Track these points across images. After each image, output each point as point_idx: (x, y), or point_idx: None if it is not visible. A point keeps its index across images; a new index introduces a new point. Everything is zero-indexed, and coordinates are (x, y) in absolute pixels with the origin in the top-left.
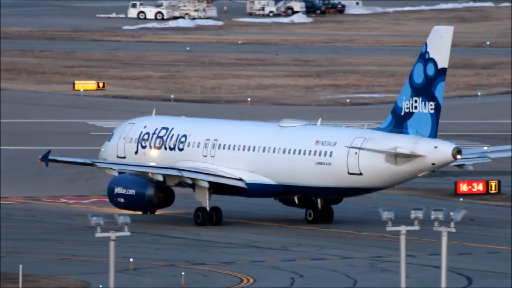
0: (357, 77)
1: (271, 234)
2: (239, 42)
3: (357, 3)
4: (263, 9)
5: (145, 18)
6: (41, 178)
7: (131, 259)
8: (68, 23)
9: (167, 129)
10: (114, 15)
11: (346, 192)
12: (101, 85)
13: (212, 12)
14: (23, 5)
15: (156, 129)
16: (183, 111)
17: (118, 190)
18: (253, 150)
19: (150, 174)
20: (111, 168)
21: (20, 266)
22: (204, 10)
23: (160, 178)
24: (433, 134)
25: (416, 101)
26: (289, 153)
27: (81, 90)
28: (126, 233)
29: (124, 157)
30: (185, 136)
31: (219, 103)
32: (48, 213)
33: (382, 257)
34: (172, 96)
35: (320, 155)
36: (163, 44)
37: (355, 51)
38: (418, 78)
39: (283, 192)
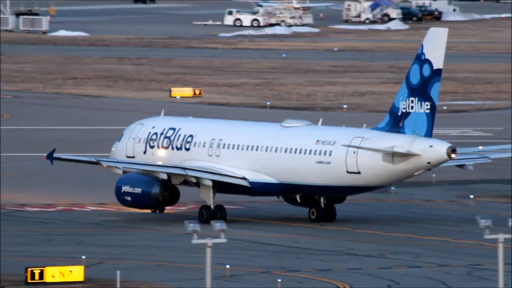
0: (454, 84)
1: (368, 241)
2: (335, 49)
3: (454, 10)
4: (359, 16)
5: (241, 25)
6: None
7: (227, 266)
8: (165, 31)
9: (174, 129)
10: (210, 22)
11: (345, 191)
12: (197, 92)
13: (308, 19)
14: (120, 12)
15: (164, 129)
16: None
17: (125, 188)
18: (256, 150)
19: (153, 173)
20: (116, 167)
21: (118, 272)
22: (300, 17)
23: (165, 176)
24: (429, 134)
25: (412, 101)
26: (290, 152)
27: (178, 97)
28: (223, 240)
29: (133, 157)
30: (191, 136)
31: (315, 110)
32: (145, 220)
33: (480, 265)
34: (268, 103)
35: (320, 154)
36: (259, 51)
37: (452, 58)
38: (415, 79)
39: (286, 191)
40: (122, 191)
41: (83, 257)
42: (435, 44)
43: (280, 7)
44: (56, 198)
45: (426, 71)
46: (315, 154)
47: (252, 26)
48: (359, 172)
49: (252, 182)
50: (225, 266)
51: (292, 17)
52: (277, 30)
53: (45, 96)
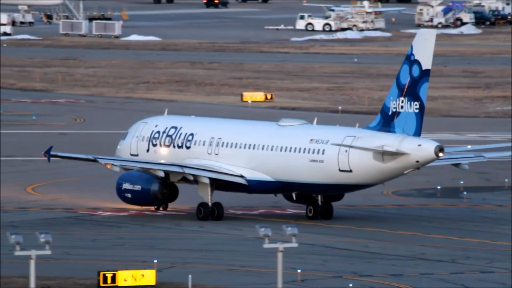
0: None
1: (440, 246)
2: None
3: None
4: (431, 20)
5: (313, 30)
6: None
7: (298, 271)
8: (237, 35)
9: (176, 128)
10: (282, 27)
11: (338, 189)
12: (269, 96)
13: (380, 23)
14: (192, 17)
15: (166, 128)
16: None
17: (126, 186)
18: (253, 148)
19: (151, 171)
20: (113, 164)
21: (190, 276)
22: (372, 21)
23: (161, 174)
24: (418, 133)
25: (402, 101)
26: (285, 151)
27: (249, 101)
28: (294, 244)
29: (136, 155)
30: (192, 134)
31: None
32: (216, 224)
33: None
34: (340, 107)
35: (313, 153)
36: (331, 56)
37: None
38: (404, 79)
39: (282, 189)
40: (122, 188)
41: (155, 261)
42: (424, 45)
43: (352, 11)
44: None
45: (415, 71)
46: (308, 152)
47: (324, 30)
48: (350, 171)
49: (249, 180)
50: (296, 271)
51: (364, 22)
52: (348, 34)
53: (117, 100)
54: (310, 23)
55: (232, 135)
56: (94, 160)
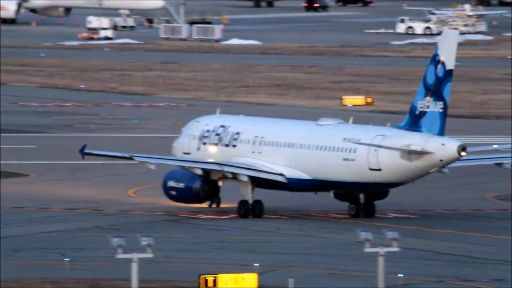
0: None
1: None
2: (509, 57)
3: None
4: None
5: (413, 33)
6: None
7: (400, 275)
8: (337, 39)
9: (224, 126)
10: (382, 30)
11: (368, 187)
12: (369, 100)
13: (482, 26)
14: (292, 21)
15: (216, 126)
16: (451, 126)
17: (170, 183)
18: (292, 147)
19: (190, 169)
20: (149, 162)
21: (291, 280)
22: (473, 24)
23: (200, 172)
24: (442, 132)
25: (428, 101)
26: (321, 149)
27: (349, 105)
28: (395, 248)
29: (189, 153)
30: (238, 133)
31: (489, 119)
32: (316, 228)
33: None
34: None
35: (346, 151)
36: None
37: None
38: (430, 79)
39: (319, 187)
40: (168, 186)
41: (256, 264)
42: (448, 45)
43: (453, 14)
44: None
45: (440, 71)
46: (342, 151)
47: (424, 34)
48: (380, 169)
49: (289, 178)
50: (397, 275)
51: (465, 25)
52: None
53: (217, 104)
54: (410, 27)
55: (273, 134)
56: (130, 158)
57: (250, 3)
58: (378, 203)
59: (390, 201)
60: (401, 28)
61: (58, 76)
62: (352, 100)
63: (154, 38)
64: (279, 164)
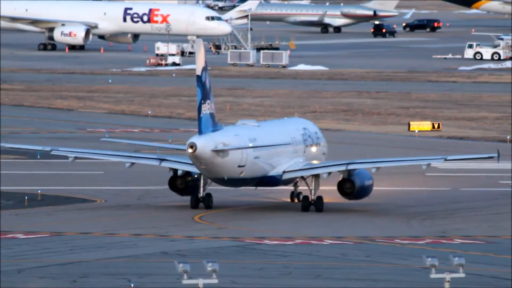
0: None
1: None
2: None
3: None
4: None
5: (481, 59)
6: (375, 218)
7: None
8: (404, 64)
9: None
10: (450, 56)
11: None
12: (436, 125)
13: None
14: (359, 46)
15: None
16: None
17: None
18: None
19: None
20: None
21: None
22: None
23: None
24: None
25: None
26: None
27: (416, 131)
28: (461, 274)
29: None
30: None
31: None
32: (382, 254)
33: None
34: (508, 137)
35: None
36: (500, 85)
37: None
38: None
39: None
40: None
41: None
42: None
43: None
44: (294, 231)
45: None
46: None
47: (492, 59)
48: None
49: None
50: None
51: None
52: None
53: None
54: (478, 52)
55: None
56: (49, 151)
57: (318, 29)
58: (442, 228)
59: (457, 227)
60: (469, 53)
61: (126, 102)
62: (419, 126)
63: (222, 64)
64: None
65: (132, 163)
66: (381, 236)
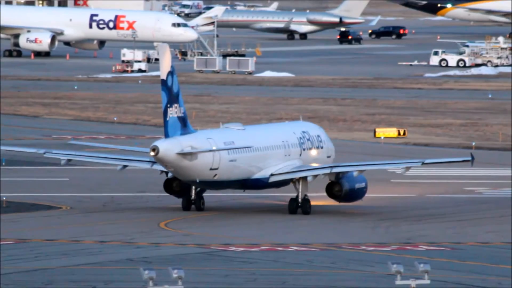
0: None
1: None
2: None
3: None
4: None
5: (447, 66)
6: (341, 225)
7: None
8: (370, 71)
9: None
10: (416, 63)
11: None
12: (401, 132)
13: None
14: (325, 53)
15: None
16: (482, 160)
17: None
18: None
19: None
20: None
21: None
22: (507, 57)
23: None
24: None
25: None
26: None
27: (382, 137)
28: (427, 281)
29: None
30: None
31: None
32: (348, 261)
33: None
34: (473, 143)
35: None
36: (465, 92)
37: None
38: None
39: None
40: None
41: None
42: None
43: (486, 47)
44: (259, 238)
45: None
46: None
47: (458, 66)
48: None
49: None
50: None
51: (499, 57)
52: (483, 70)
53: None
54: (444, 59)
55: None
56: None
57: (284, 36)
58: (409, 235)
59: (422, 233)
60: (434, 60)
61: (92, 109)
62: (385, 132)
63: (188, 71)
64: None
65: (124, 166)
66: (347, 243)
